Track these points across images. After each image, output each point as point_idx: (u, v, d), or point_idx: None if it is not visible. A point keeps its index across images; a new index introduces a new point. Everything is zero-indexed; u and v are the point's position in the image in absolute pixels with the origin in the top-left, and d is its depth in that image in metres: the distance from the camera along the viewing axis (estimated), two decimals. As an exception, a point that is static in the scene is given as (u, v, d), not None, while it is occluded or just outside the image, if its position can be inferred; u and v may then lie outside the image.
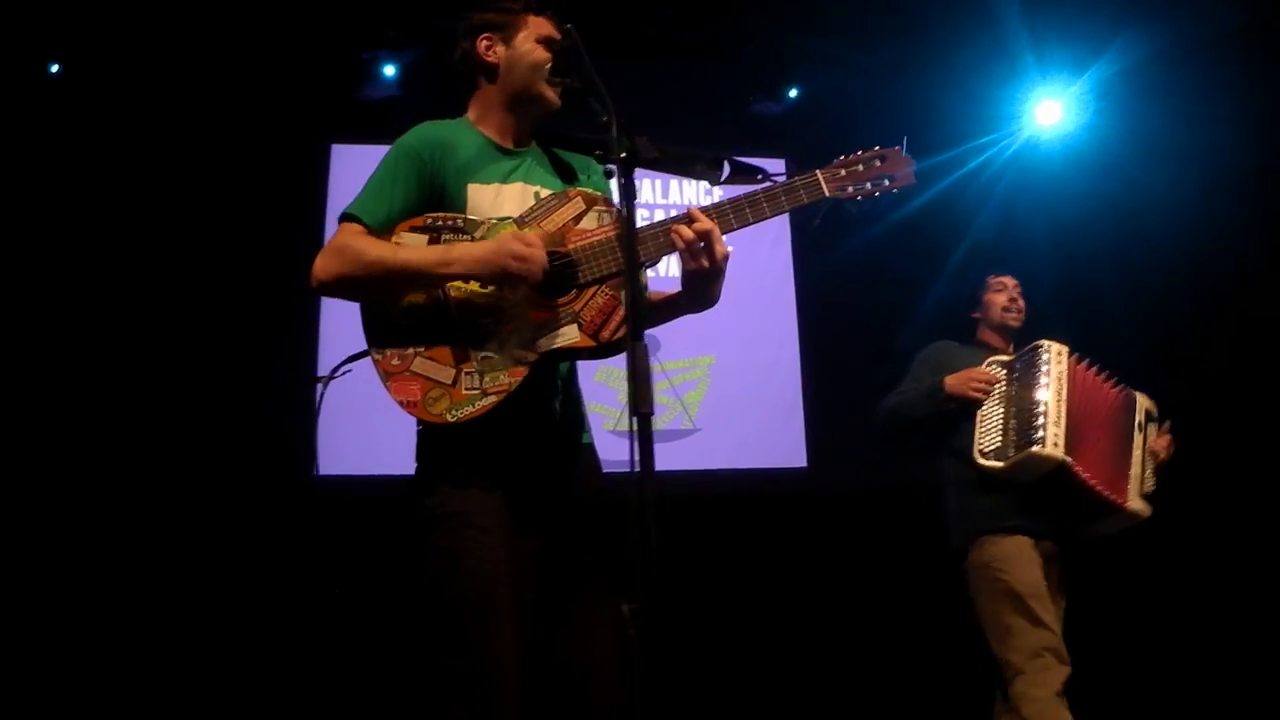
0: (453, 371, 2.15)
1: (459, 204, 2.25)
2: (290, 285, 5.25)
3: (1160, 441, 3.62)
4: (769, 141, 6.07)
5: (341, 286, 2.18)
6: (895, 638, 5.29)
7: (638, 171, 1.97)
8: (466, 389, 2.14)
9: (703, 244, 2.09)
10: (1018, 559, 3.34)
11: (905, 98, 5.78)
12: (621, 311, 2.14)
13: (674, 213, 5.82)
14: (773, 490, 5.69)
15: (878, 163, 2.15)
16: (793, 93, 6.06)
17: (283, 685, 4.77)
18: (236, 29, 5.22)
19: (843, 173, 2.14)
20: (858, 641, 5.32)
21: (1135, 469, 3.49)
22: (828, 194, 2.12)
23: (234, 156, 5.41)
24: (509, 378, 2.13)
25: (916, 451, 3.77)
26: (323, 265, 2.17)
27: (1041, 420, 3.32)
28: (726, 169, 2.19)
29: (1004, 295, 3.81)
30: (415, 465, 2.26)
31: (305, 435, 5.20)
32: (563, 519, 2.22)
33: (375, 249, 2.16)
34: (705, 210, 2.12)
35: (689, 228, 2.09)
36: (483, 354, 2.15)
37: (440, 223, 2.20)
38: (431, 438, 2.23)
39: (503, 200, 2.26)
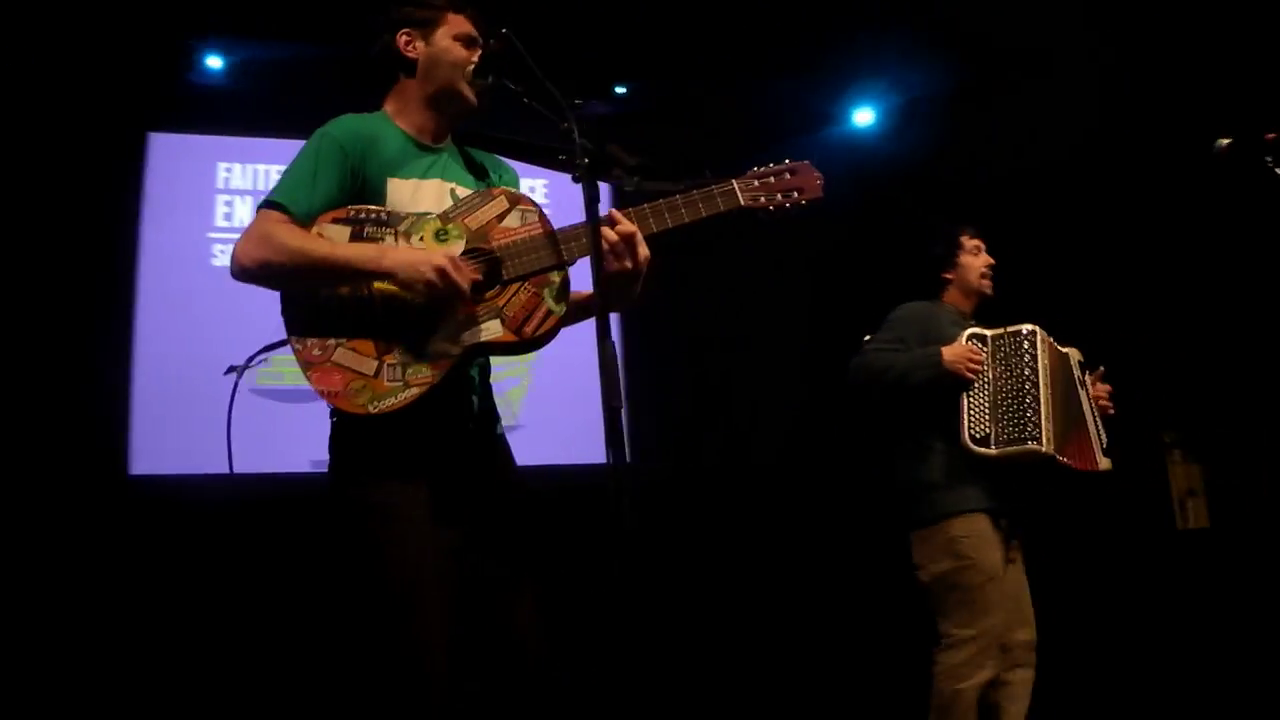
0: (375, 363, 2.16)
1: (379, 198, 2.25)
2: (105, 276, 5.02)
3: (1101, 390, 3.61)
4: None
5: (265, 274, 2.14)
6: (726, 623, 5.50)
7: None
8: (389, 380, 2.15)
9: (625, 245, 2.18)
10: (985, 538, 3.34)
11: (732, 102, 6.05)
12: (544, 308, 2.22)
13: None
14: (596, 484, 5.78)
15: (788, 175, 2.30)
16: (620, 90, 6.19)
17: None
18: (52, 8, 4.85)
19: (756, 183, 2.28)
20: (692, 629, 5.48)
21: (1092, 428, 3.50)
22: (743, 203, 2.26)
23: (45, 141, 4.99)
24: (432, 370, 2.16)
25: (879, 410, 3.62)
26: (245, 250, 2.14)
27: (1035, 414, 3.30)
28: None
29: (981, 259, 3.67)
30: (330, 457, 2.25)
31: (118, 430, 4.98)
32: (483, 507, 2.28)
33: (300, 239, 2.14)
34: (626, 213, 2.21)
35: (612, 230, 2.17)
36: (405, 346, 2.16)
37: (364, 215, 2.21)
38: (349, 429, 2.22)
39: (421, 196, 2.29)
